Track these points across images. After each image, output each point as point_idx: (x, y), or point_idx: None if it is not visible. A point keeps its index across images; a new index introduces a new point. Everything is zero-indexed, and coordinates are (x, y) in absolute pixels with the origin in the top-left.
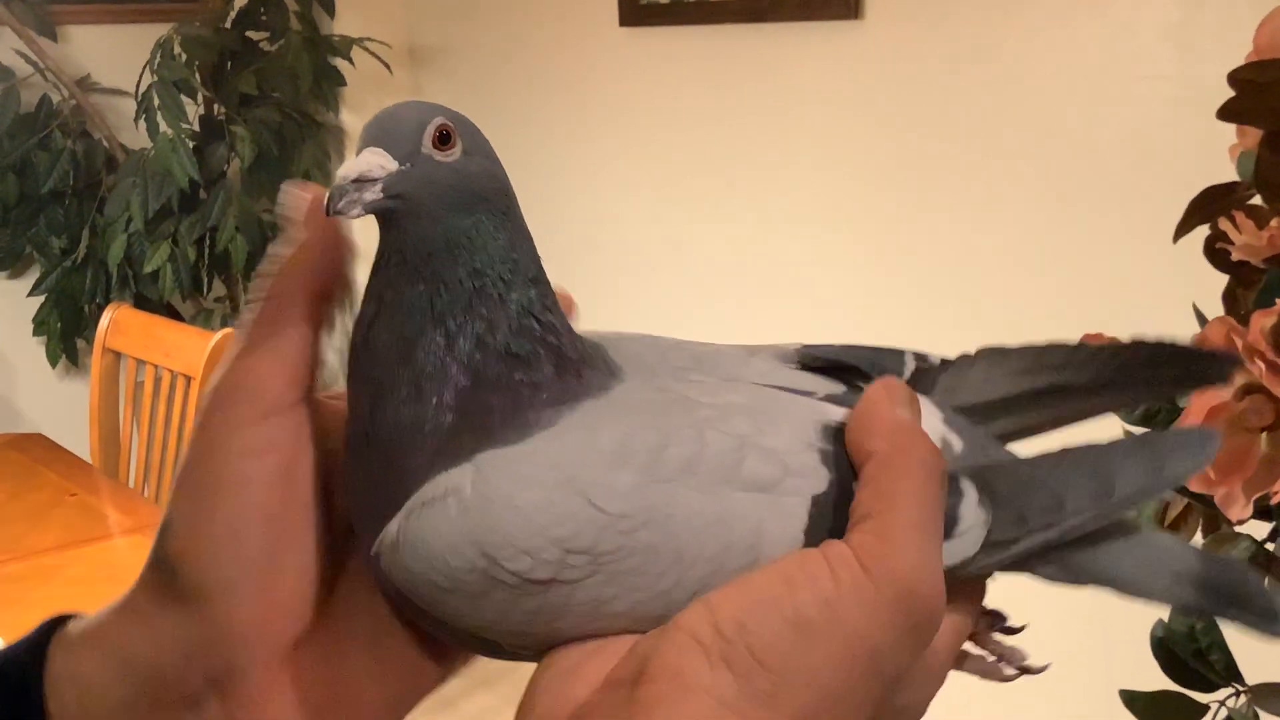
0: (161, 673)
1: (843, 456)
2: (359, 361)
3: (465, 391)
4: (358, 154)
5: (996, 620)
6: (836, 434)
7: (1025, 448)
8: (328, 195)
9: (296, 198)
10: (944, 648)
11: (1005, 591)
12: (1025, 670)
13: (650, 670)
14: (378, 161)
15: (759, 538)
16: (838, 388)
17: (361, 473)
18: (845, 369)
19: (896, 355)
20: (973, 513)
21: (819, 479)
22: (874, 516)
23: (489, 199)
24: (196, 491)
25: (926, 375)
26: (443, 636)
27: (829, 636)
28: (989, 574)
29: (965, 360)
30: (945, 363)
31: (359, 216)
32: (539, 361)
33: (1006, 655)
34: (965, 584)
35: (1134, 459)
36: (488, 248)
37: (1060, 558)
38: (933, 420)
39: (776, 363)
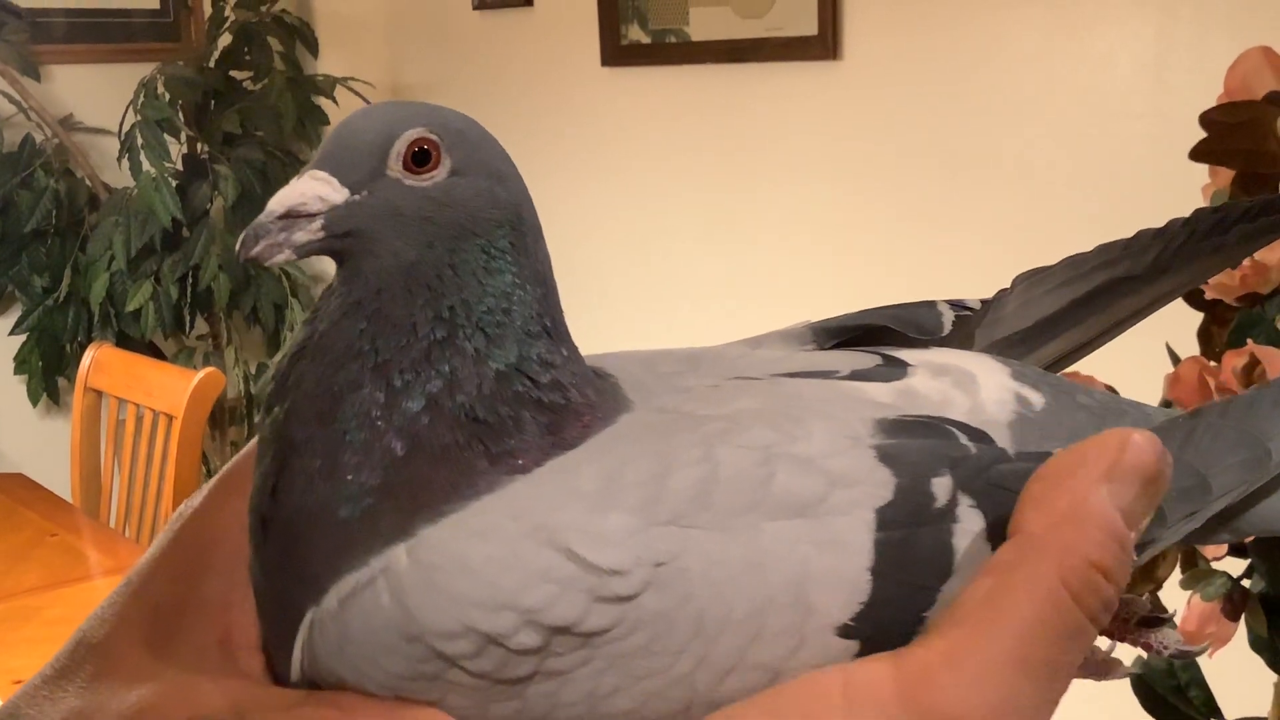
0: None
1: (912, 451)
2: (270, 412)
3: (396, 464)
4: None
5: (1129, 608)
6: (893, 425)
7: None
8: (241, 237)
9: None
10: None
11: None
12: (1184, 654)
13: None
14: (316, 191)
15: (804, 584)
16: (867, 360)
17: (259, 574)
18: (871, 336)
19: (928, 307)
20: None
21: (880, 485)
22: (963, 626)
23: (482, 232)
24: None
25: (967, 324)
26: None
27: None
28: None
29: (1003, 294)
30: (986, 305)
31: (288, 261)
32: (519, 428)
33: (1157, 645)
34: None
35: None
36: (469, 290)
37: (1211, 522)
38: (998, 377)
39: (787, 347)
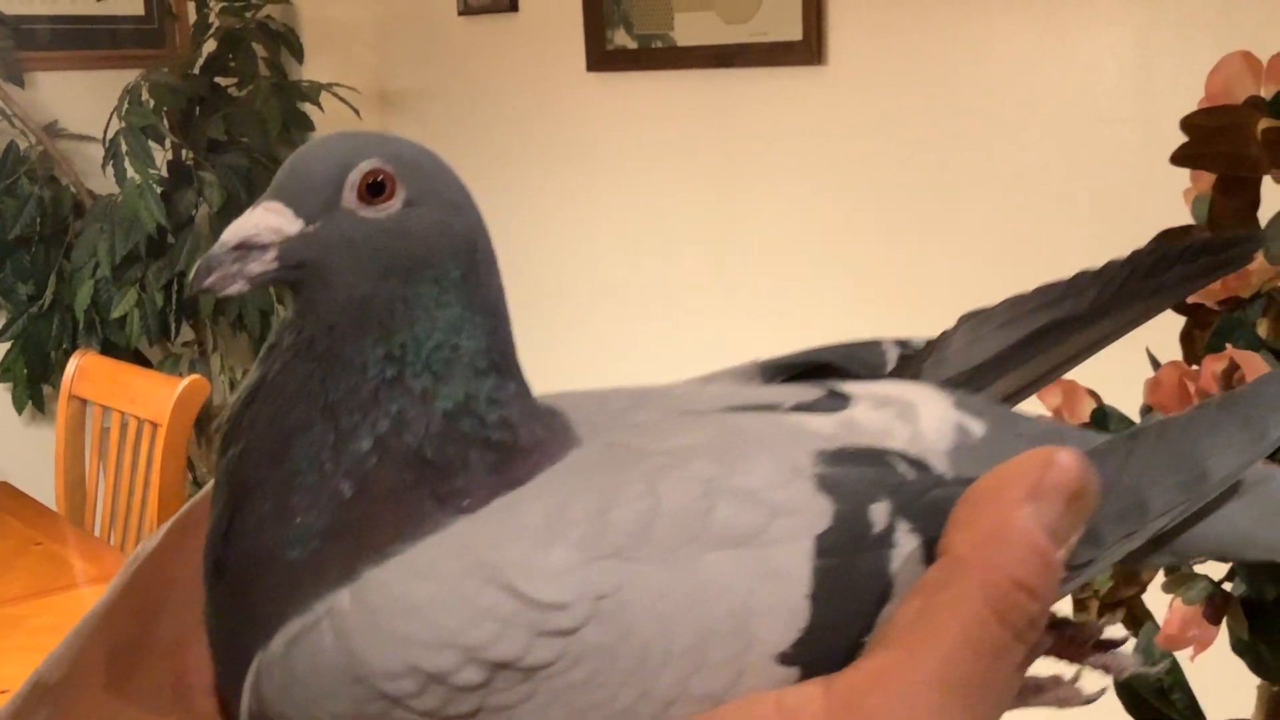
0: None
1: (851, 479)
2: (225, 454)
3: (344, 506)
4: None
5: (1084, 632)
6: (834, 456)
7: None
8: (195, 267)
9: None
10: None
11: None
12: (1140, 677)
13: None
14: (270, 222)
15: (747, 614)
16: (811, 393)
17: (212, 616)
18: (818, 372)
19: (872, 346)
20: None
21: (819, 513)
22: (891, 648)
23: (437, 263)
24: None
25: (911, 362)
26: None
27: None
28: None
29: (947, 334)
30: (931, 344)
31: (242, 292)
32: (466, 467)
33: (1114, 668)
34: None
35: (1226, 430)
36: (419, 325)
37: (1151, 544)
38: (939, 407)
39: (735, 383)
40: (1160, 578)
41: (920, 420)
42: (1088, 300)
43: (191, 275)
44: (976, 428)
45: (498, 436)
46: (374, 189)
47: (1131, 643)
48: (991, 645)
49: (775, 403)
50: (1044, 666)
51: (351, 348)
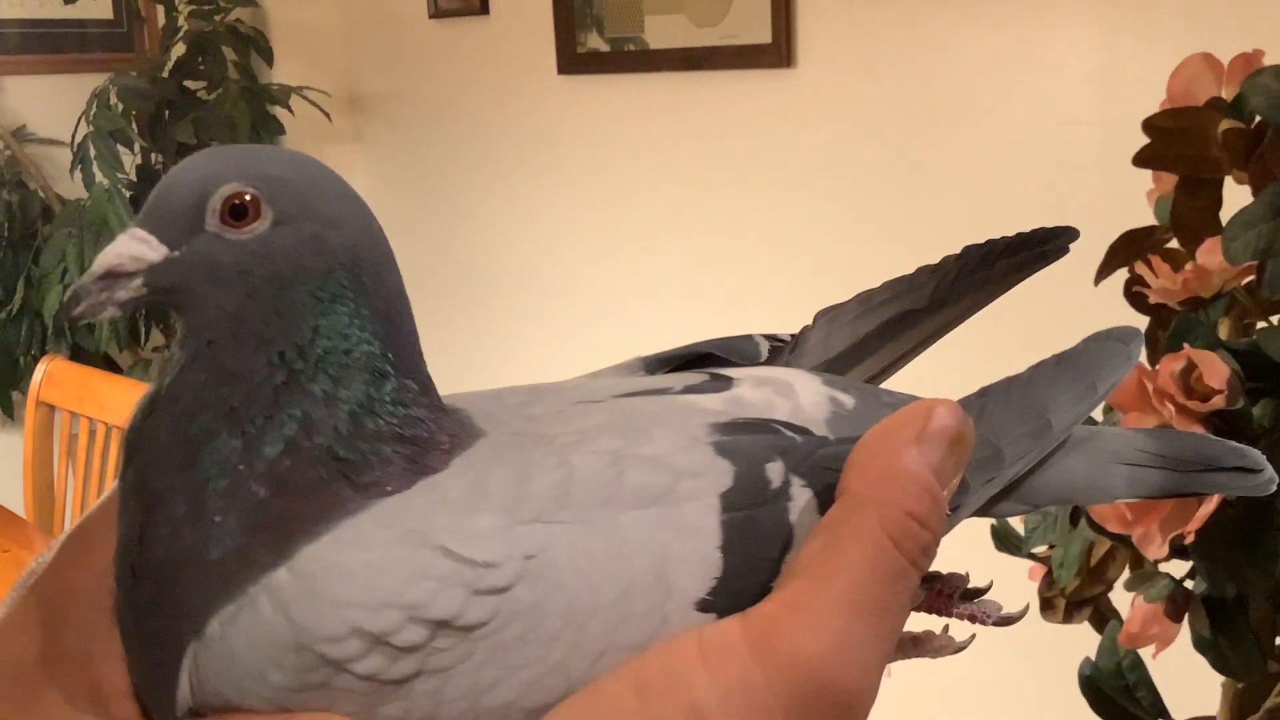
0: None
1: (746, 444)
2: (130, 464)
3: (262, 505)
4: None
5: (950, 583)
6: (726, 426)
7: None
8: (65, 297)
9: None
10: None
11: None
12: (1004, 621)
13: None
14: (132, 251)
15: (665, 565)
16: (696, 378)
17: (131, 619)
18: (697, 363)
19: (746, 339)
20: None
21: (720, 473)
22: (800, 579)
23: (307, 279)
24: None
25: (779, 355)
26: None
27: None
28: None
29: (806, 329)
30: (794, 338)
31: (115, 317)
32: (382, 460)
33: (979, 615)
34: None
35: (1062, 384)
36: (298, 333)
37: (1006, 494)
38: (812, 384)
39: (622, 375)
40: (1125, 574)
41: (798, 395)
42: (927, 294)
43: (62, 303)
44: (847, 400)
45: (411, 432)
46: (236, 212)
47: (994, 590)
48: (891, 570)
49: (665, 387)
50: (915, 623)
51: (233, 358)
